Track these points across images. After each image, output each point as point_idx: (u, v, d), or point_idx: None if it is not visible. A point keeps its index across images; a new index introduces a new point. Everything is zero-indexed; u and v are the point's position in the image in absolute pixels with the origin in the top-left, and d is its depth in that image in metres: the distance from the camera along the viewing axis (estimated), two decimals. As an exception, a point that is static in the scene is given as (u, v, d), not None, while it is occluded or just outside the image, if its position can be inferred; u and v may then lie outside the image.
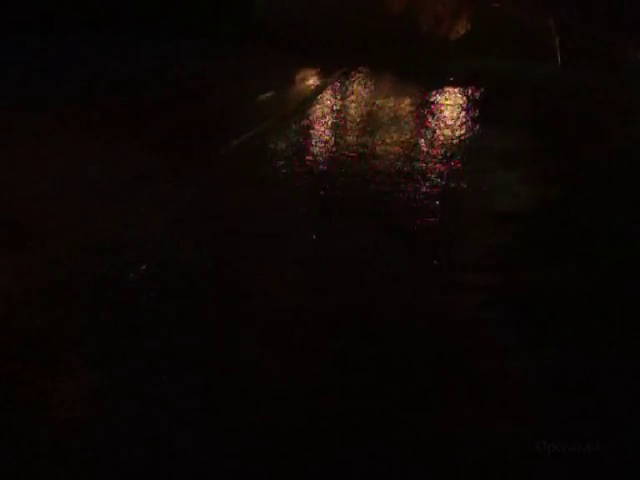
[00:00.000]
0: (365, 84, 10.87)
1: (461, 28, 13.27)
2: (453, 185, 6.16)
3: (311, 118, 8.66)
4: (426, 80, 10.97)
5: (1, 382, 2.89)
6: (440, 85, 10.63)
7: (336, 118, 8.69)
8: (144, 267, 4.14)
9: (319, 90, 10.40)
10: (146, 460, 2.44)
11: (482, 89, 10.39)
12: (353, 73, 11.55)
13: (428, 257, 4.63)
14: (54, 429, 2.61)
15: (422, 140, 7.72)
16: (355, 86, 10.71)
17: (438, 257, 4.62)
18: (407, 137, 7.74)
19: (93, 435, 2.60)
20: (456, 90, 10.37)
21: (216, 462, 2.45)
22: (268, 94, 9.90)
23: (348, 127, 8.23)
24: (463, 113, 8.92)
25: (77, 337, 3.36)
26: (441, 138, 7.71)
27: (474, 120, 8.57)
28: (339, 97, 9.93)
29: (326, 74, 11.48)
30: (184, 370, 3.09)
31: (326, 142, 7.59)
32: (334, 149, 7.33)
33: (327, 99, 9.80)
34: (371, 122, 8.48)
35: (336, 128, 8.17)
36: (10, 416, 2.64)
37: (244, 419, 2.70)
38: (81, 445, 2.52)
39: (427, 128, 8.24)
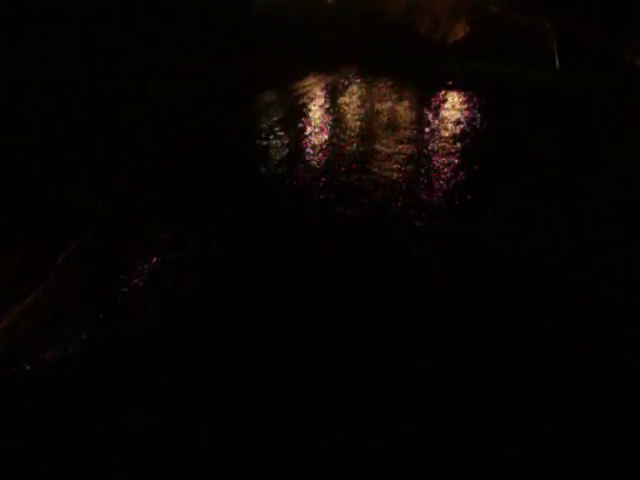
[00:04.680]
0: (364, 87, 10.90)
1: (459, 31, 13.32)
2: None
3: (307, 122, 8.69)
4: (424, 83, 11.01)
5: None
6: (438, 88, 10.66)
7: (334, 122, 8.72)
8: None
9: (317, 92, 10.43)
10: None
11: (480, 92, 10.41)
12: (351, 76, 11.58)
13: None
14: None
15: (418, 141, 7.76)
16: (354, 89, 10.74)
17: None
18: (403, 140, 7.78)
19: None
20: (454, 93, 10.40)
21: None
22: (267, 96, 9.95)
23: (346, 131, 8.25)
24: (461, 116, 8.95)
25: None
26: (437, 139, 7.78)
27: (472, 123, 8.61)
28: (337, 100, 9.96)
29: (324, 77, 11.52)
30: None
31: (323, 146, 7.63)
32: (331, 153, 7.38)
33: (325, 102, 9.82)
34: (369, 126, 8.52)
35: (334, 133, 8.20)
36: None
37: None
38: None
39: (424, 130, 8.28)
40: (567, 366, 3.56)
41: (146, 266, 4.64)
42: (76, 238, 4.98)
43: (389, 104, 9.72)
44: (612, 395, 3.31)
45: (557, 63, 12.70)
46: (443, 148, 7.49)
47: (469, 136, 8.02)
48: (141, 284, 4.40)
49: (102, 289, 4.34)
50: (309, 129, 8.31)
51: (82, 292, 4.31)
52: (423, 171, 6.73)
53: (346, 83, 11.10)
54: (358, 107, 9.55)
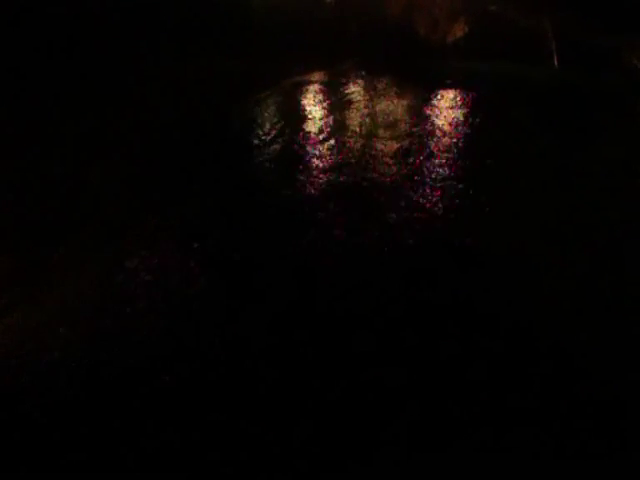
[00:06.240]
0: (361, 86, 10.92)
1: (458, 31, 13.34)
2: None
3: (306, 121, 8.71)
4: (423, 83, 11.02)
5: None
6: (437, 88, 10.68)
7: (333, 121, 8.74)
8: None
9: (317, 91, 10.45)
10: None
11: (479, 92, 10.43)
12: (350, 75, 11.60)
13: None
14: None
15: (413, 136, 7.78)
16: (353, 87, 10.76)
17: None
18: (399, 134, 7.80)
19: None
20: (453, 93, 10.42)
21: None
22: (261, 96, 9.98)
23: (345, 130, 8.27)
24: (460, 115, 8.96)
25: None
26: (433, 135, 7.80)
27: (470, 122, 8.62)
28: (336, 97, 9.98)
29: (323, 76, 11.55)
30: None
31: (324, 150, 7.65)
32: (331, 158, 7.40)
33: (323, 101, 9.85)
34: (368, 121, 8.55)
35: (334, 132, 8.22)
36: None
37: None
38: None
39: (420, 127, 8.30)
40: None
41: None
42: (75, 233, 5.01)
43: (388, 101, 9.74)
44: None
45: (556, 62, 12.72)
46: (438, 144, 7.51)
47: (466, 133, 8.05)
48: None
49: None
50: (309, 124, 8.35)
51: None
52: (416, 166, 6.75)
53: (346, 82, 11.12)
54: (357, 104, 9.58)
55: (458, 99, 9.97)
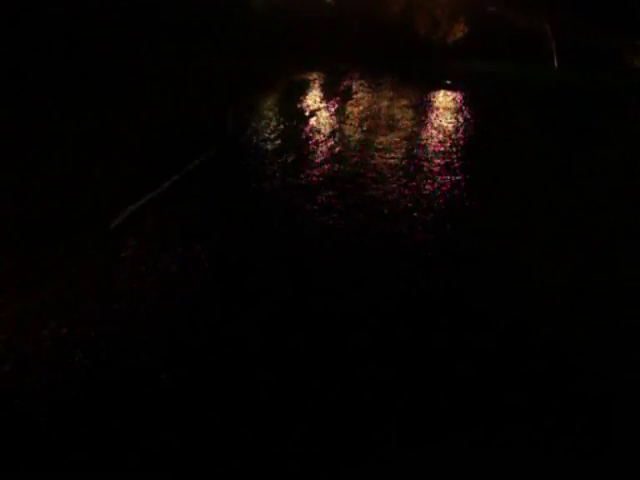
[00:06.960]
0: (361, 86, 10.93)
1: (458, 31, 13.35)
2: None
3: (305, 120, 8.71)
4: (422, 83, 11.04)
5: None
6: (437, 88, 10.68)
7: (332, 120, 8.74)
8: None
9: (314, 92, 10.45)
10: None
11: (478, 92, 10.45)
12: (349, 75, 11.61)
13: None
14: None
15: (412, 137, 7.79)
16: (353, 86, 10.76)
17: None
18: (399, 139, 7.81)
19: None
20: (453, 93, 10.42)
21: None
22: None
23: (344, 130, 8.28)
24: (459, 116, 8.97)
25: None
26: (434, 139, 7.80)
27: (470, 122, 8.62)
28: (336, 97, 9.98)
29: (322, 75, 11.55)
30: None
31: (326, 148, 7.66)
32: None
33: (322, 101, 9.85)
34: (366, 124, 8.55)
35: (333, 131, 8.23)
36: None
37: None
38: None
39: (421, 129, 8.31)
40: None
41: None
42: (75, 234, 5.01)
43: (387, 101, 9.75)
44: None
45: (555, 63, 12.73)
46: (437, 144, 7.52)
47: (465, 133, 8.05)
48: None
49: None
50: (308, 124, 8.35)
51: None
52: (414, 166, 6.75)
53: (345, 81, 11.13)
54: (357, 104, 9.58)
55: (458, 99, 9.97)
